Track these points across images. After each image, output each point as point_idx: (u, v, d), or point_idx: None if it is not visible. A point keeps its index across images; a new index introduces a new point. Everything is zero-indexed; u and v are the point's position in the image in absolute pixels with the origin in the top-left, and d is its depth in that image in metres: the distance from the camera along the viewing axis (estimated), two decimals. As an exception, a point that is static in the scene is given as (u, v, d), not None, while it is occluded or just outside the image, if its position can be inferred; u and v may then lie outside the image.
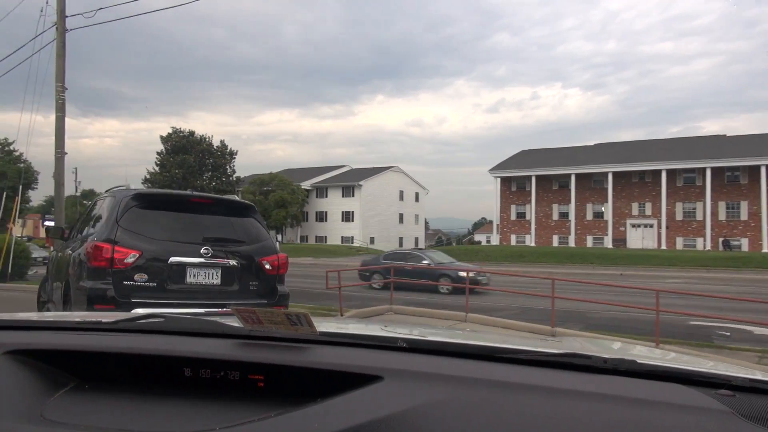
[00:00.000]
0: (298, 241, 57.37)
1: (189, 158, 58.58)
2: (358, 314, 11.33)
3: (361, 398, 1.02)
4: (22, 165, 56.71)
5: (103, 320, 1.50)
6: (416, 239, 66.15)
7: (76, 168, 71.83)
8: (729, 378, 1.12)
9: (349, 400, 1.01)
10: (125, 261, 5.33)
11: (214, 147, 61.43)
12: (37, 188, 57.72)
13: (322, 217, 62.11)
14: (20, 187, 23.76)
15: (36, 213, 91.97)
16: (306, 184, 61.38)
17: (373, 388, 1.04)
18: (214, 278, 5.72)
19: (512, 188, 52.07)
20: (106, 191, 6.70)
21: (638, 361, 1.18)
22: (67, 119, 17.01)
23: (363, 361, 1.15)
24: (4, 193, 21.60)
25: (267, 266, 6.02)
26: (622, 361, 1.16)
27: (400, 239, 63.26)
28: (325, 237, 60.14)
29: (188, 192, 6.34)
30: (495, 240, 52.06)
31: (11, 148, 56.49)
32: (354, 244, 54.14)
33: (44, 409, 1.07)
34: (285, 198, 55.16)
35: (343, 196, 60.90)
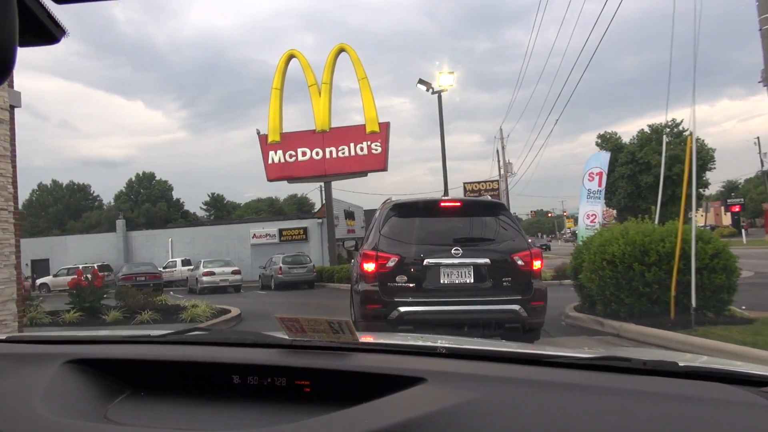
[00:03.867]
0: None
1: None
2: None
3: (406, 398, 1.04)
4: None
5: (152, 334, 1.56)
6: None
7: (758, 137, 59.29)
8: None
9: (395, 400, 1.04)
10: (387, 265, 5.85)
11: None
12: (714, 168, 49.21)
13: None
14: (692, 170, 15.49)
15: (716, 200, 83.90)
16: None
17: (418, 389, 1.07)
18: (467, 277, 5.86)
19: None
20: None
21: (679, 363, 1.18)
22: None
23: (406, 364, 1.18)
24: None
25: (519, 262, 5.95)
26: (662, 363, 1.17)
27: None
28: None
29: (439, 198, 7.19)
30: None
31: (680, 128, 50.31)
32: None
33: (107, 412, 1.14)
34: None
35: None
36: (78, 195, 74.07)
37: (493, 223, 6.22)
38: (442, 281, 5.86)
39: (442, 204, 6.44)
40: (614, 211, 61.39)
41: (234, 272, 22.08)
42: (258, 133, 25.57)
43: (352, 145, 24.36)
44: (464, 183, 50.99)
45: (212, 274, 21.72)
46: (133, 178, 74.56)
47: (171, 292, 25.30)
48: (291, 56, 25.05)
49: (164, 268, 30.95)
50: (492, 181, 50.31)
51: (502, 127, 48.42)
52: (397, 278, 5.81)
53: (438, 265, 5.86)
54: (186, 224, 46.15)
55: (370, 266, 5.90)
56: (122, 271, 23.46)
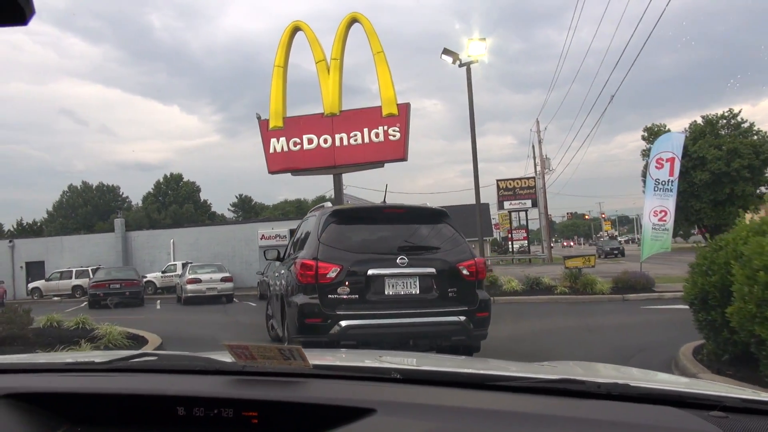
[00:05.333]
0: None
1: None
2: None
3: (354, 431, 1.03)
4: (755, 137, 44.71)
5: (97, 360, 1.51)
6: None
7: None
8: (722, 399, 1.11)
9: None
10: (328, 276, 5.48)
11: None
12: (780, 163, 43.94)
13: None
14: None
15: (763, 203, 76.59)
16: None
17: (366, 421, 1.05)
18: (412, 287, 5.66)
19: None
20: (310, 212, 7.16)
21: (631, 384, 1.17)
22: None
23: (356, 394, 1.16)
24: None
25: (465, 272, 5.80)
26: (615, 386, 1.15)
27: None
28: None
29: (381, 204, 6.56)
30: None
31: (738, 119, 45.29)
32: None
33: None
34: None
35: None
36: (108, 196, 74.90)
37: (437, 231, 6.08)
38: (386, 292, 5.63)
39: (386, 210, 6.34)
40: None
41: (224, 279, 18.75)
42: (258, 118, 22.14)
43: (365, 130, 20.74)
44: (497, 180, 47.10)
45: (198, 281, 18.42)
46: (161, 180, 74.62)
47: (158, 302, 22.24)
48: (296, 28, 21.59)
49: (163, 272, 28.00)
50: (527, 179, 46.15)
51: (539, 119, 44.32)
52: (339, 290, 5.53)
53: (382, 275, 5.62)
54: (190, 224, 43.48)
55: (309, 277, 5.56)
56: (95, 277, 20.28)
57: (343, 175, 22.59)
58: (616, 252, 45.90)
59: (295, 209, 71.61)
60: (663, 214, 15.24)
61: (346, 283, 5.48)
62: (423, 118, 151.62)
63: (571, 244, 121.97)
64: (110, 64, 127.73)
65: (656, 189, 15.36)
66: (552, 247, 47.19)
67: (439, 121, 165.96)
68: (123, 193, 77.75)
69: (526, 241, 48.93)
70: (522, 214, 49.37)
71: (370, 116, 20.57)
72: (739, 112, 45.67)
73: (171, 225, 48.65)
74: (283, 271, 6.79)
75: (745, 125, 45.50)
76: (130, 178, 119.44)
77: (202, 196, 75.29)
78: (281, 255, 7.57)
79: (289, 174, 22.30)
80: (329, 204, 6.37)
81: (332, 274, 5.46)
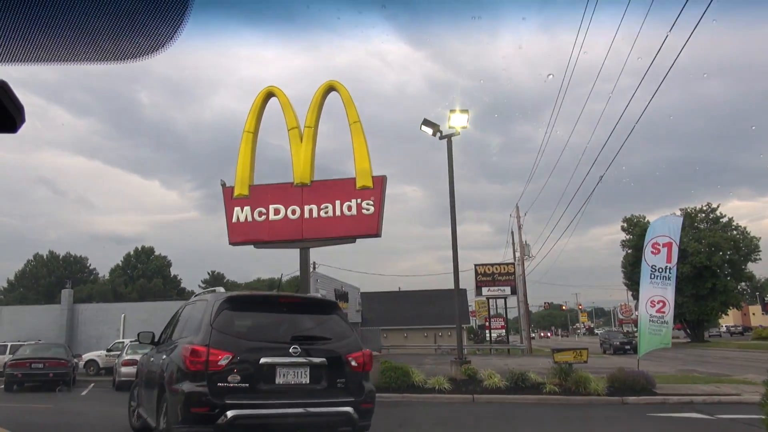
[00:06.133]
0: None
1: None
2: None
3: None
4: (734, 232, 44.43)
5: None
6: None
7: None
8: None
9: None
10: (219, 363, 5.34)
11: None
12: (759, 259, 43.43)
13: None
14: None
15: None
16: None
17: None
18: (303, 377, 5.66)
19: None
20: (195, 296, 7.50)
21: None
22: None
23: None
24: None
25: (353, 363, 5.92)
26: None
27: None
28: None
29: (275, 293, 6.74)
30: None
31: (717, 214, 45.12)
32: None
33: None
34: None
35: None
36: (74, 267, 72.34)
37: (328, 321, 6.12)
38: (277, 381, 5.52)
39: (281, 300, 6.32)
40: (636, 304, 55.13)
41: (166, 362, 16.49)
42: (223, 185, 20.59)
43: (337, 203, 19.27)
44: (476, 265, 45.57)
45: (135, 363, 16.08)
46: (131, 253, 72.56)
47: (92, 385, 19.53)
48: (269, 94, 20.55)
49: (108, 350, 25.29)
50: (507, 264, 44.76)
51: (518, 205, 43.62)
52: (229, 378, 5.33)
53: (274, 364, 5.52)
54: (146, 299, 41.11)
55: (198, 364, 5.33)
56: (16, 354, 17.67)
57: (313, 252, 20.89)
58: (627, 347, 35.62)
59: (267, 288, 69.53)
60: (661, 304, 13.71)
61: (237, 371, 5.36)
62: (403, 204, 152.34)
63: (548, 334, 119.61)
64: (94, 137, 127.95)
65: (653, 276, 13.92)
66: (532, 338, 45.19)
67: (418, 207, 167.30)
68: (90, 265, 75.31)
69: (504, 330, 46.85)
70: (499, 302, 47.62)
71: (343, 188, 19.17)
72: (717, 206, 45.69)
73: (135, 299, 46.06)
74: (164, 357, 6.26)
75: (724, 220, 45.35)
76: (103, 250, 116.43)
77: (173, 271, 73.11)
78: (156, 338, 7.25)
79: (252, 246, 20.54)
80: (221, 289, 6.40)
81: (223, 362, 5.32)
